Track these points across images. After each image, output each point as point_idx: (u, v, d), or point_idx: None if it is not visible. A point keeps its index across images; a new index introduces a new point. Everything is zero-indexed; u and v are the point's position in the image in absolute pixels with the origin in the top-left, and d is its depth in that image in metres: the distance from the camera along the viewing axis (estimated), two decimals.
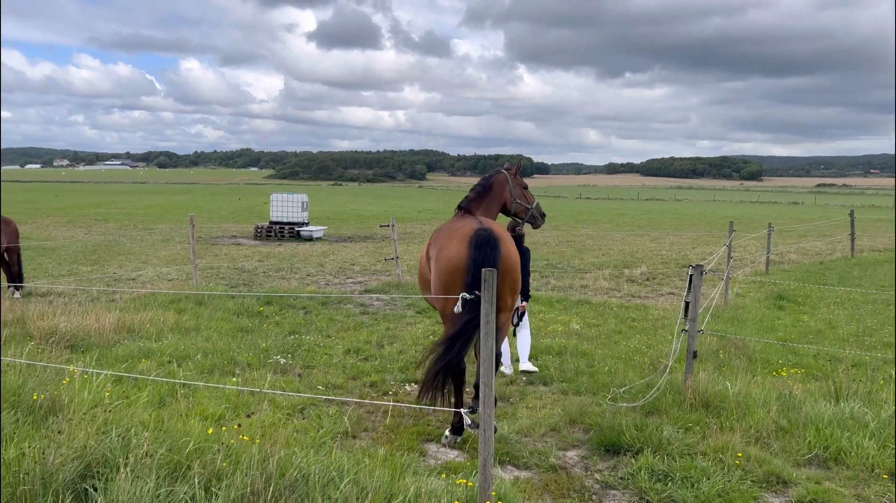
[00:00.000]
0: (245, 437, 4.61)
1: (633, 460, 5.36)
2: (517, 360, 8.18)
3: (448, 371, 5.47)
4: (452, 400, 5.74)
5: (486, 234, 5.72)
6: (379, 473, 4.35)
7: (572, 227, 36.57)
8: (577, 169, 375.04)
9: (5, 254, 12.49)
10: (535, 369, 8.03)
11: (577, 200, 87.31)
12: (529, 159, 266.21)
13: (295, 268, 17.81)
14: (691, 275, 6.68)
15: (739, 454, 5.30)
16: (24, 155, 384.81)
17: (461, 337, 5.39)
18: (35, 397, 5.45)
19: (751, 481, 5.00)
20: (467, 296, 5.21)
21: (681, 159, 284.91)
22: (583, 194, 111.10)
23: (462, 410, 5.83)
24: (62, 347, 8.00)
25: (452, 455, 5.58)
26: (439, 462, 5.39)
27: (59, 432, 4.55)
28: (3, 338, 8.10)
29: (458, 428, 5.90)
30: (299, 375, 7.67)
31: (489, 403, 4.13)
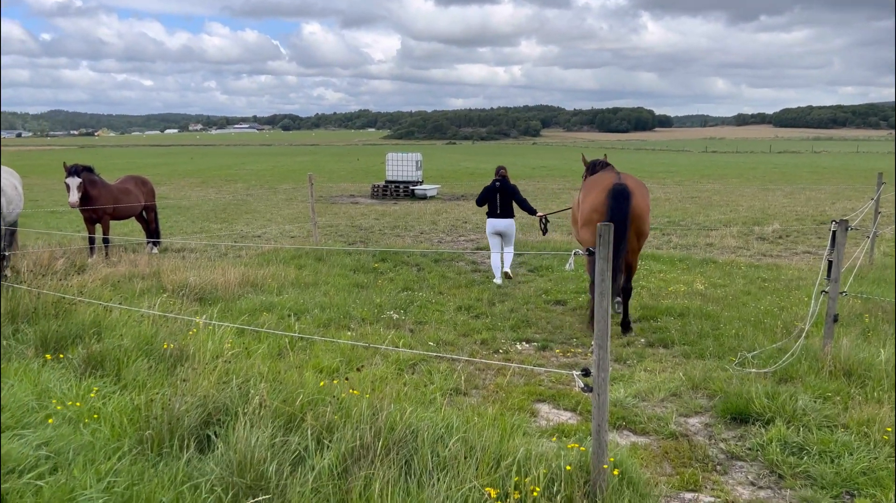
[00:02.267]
0: (355, 391, 4.64)
1: (762, 430, 4.96)
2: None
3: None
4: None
5: (622, 188, 7.16)
6: (489, 433, 4.24)
7: (697, 182, 34.75)
8: (703, 121, 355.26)
9: (144, 213, 13.41)
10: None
11: (703, 154, 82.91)
12: (651, 112, 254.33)
13: (409, 226, 18.02)
14: (834, 232, 6.05)
15: (889, 429, 4.77)
16: (164, 121, 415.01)
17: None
18: (165, 346, 5.78)
19: None
20: (580, 252, 4.97)
21: (819, 108, 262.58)
22: (709, 147, 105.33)
23: (574, 372, 5.62)
24: (192, 300, 8.47)
25: (565, 417, 5.40)
26: (551, 423, 5.23)
27: (184, 380, 4.77)
28: (134, 293, 8.67)
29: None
30: (411, 331, 7.71)
31: (604, 366, 3.90)
